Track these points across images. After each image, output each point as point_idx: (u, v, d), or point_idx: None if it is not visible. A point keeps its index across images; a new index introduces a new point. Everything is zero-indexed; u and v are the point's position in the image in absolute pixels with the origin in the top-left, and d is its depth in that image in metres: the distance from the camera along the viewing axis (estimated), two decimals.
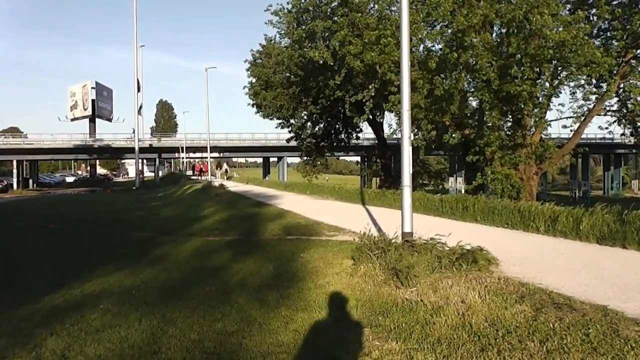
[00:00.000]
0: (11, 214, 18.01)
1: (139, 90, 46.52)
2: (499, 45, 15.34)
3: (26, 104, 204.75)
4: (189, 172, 65.99)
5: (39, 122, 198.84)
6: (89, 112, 73.61)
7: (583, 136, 21.17)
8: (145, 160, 74.98)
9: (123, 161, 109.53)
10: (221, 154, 67.99)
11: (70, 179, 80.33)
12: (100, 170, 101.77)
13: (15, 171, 65.35)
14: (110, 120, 79.01)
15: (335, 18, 18.20)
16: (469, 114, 17.30)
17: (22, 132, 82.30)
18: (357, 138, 36.28)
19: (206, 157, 48.48)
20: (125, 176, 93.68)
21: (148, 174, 79.91)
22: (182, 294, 6.51)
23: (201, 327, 5.18)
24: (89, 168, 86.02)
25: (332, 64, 18.91)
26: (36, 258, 9.61)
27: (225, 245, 10.01)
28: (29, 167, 75.01)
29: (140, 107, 49.56)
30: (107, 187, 59.05)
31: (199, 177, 47.53)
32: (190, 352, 4.61)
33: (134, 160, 51.19)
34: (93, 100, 73.60)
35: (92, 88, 74.20)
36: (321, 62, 19.24)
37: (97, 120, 75.17)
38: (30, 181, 70.40)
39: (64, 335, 5.09)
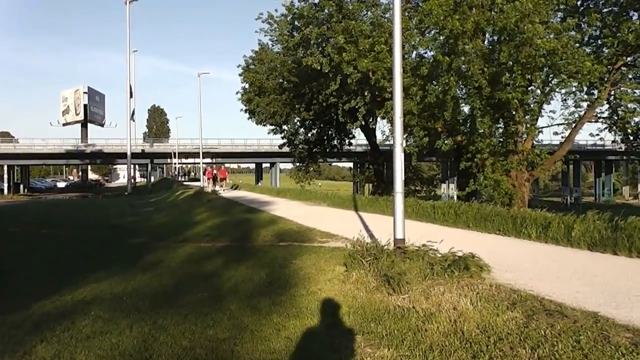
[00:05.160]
0: (1, 219, 17.87)
1: (131, 95, 46.39)
2: (491, 53, 15.41)
3: (17, 108, 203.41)
4: (181, 178, 65.75)
5: (30, 127, 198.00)
6: (81, 117, 73.40)
7: (574, 143, 21.28)
8: (137, 166, 74.77)
9: (115, 166, 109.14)
10: (214, 160, 67.94)
11: (61, 184, 79.99)
12: (92, 176, 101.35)
13: (6, 176, 65.06)
14: (102, 125, 78.81)
15: (330, 25, 18.29)
16: (461, 121, 17.35)
17: (14, 137, 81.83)
18: (350, 144, 36.31)
19: (198, 163, 48.21)
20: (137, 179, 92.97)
21: (140, 179, 79.62)
22: (173, 300, 6.48)
23: (193, 334, 5.16)
24: (80, 173, 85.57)
25: (327, 71, 18.96)
26: (27, 264, 9.55)
27: (217, 252, 9.98)
28: (20, 172, 74.63)
29: (133, 112, 49.42)
30: (98, 192, 58.73)
31: (213, 187, 35.31)
32: (182, 359, 4.59)
33: (126, 166, 50.97)
34: (85, 105, 73.40)
35: (85, 93, 74.01)
36: (318, 68, 19.29)
37: (89, 125, 74.93)
38: (21, 186, 70.07)
39: (54, 342, 5.05)
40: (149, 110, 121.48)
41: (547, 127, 17.41)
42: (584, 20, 16.09)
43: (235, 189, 37.71)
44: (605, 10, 16.17)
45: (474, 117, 15.79)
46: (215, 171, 37.70)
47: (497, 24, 14.09)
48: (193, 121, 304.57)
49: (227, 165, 33.50)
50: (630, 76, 17.51)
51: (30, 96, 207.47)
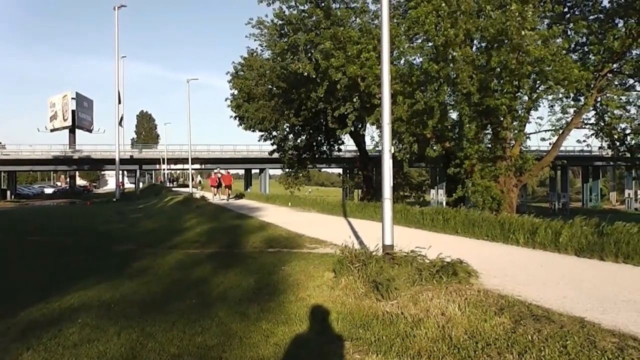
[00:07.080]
0: None
1: (119, 101, 46.18)
2: (479, 59, 15.50)
3: (5, 114, 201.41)
4: (169, 184, 65.45)
5: (17, 133, 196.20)
6: (69, 122, 73.04)
7: (562, 149, 21.42)
8: (126, 172, 74.39)
9: (103, 173, 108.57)
10: (202, 166, 67.75)
11: (49, 190, 79.37)
12: (80, 182, 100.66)
13: None
14: (90, 131, 78.40)
15: (318, 31, 18.34)
16: (449, 127, 17.44)
17: (0, 143, 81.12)
18: (339, 150, 36.42)
19: (187, 169, 48.00)
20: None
21: (129, 185, 79.23)
22: (162, 307, 6.44)
23: (181, 341, 5.12)
24: (68, 179, 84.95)
25: (314, 76, 19.00)
26: (14, 271, 9.45)
27: (206, 258, 9.93)
28: (7, 178, 73.90)
29: (121, 118, 49.16)
30: (86, 198, 58.28)
31: (219, 196, 29.93)
32: None
33: (114, 172, 50.67)
34: (73, 111, 73.05)
35: (73, 99, 73.67)
36: (305, 74, 19.32)
37: (77, 131, 74.53)
38: (8, 192, 69.44)
39: (41, 350, 4.99)
40: (137, 116, 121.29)
41: (534, 133, 17.56)
42: (570, 27, 16.25)
43: (241, 197, 31.87)
44: (591, 17, 16.36)
45: (462, 123, 15.86)
46: (219, 176, 30.14)
47: (490, 29, 14.16)
48: (182, 127, 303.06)
49: (216, 171, 31.79)
50: (616, 83, 17.73)
51: (18, 102, 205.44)
